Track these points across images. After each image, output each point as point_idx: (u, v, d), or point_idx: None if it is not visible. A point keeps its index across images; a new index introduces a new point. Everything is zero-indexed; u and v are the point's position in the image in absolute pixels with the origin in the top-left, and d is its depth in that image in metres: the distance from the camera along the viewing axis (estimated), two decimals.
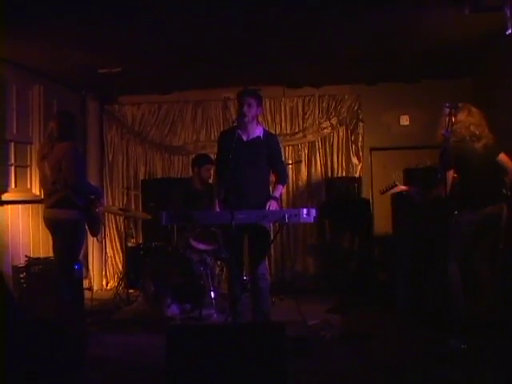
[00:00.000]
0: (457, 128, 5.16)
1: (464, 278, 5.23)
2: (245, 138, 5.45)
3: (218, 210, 5.44)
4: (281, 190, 5.65)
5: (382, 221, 8.26)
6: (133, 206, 9.29)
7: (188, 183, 7.52)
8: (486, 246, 5.39)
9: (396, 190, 5.78)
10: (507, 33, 5.28)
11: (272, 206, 5.28)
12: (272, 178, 5.68)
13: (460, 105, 5.22)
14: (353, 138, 9.17)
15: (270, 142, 5.56)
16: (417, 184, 5.99)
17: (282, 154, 6.22)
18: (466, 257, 5.31)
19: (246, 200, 5.26)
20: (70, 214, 5.69)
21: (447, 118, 5.11)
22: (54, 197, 5.72)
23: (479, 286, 5.41)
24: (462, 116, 5.20)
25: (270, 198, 5.37)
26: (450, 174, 5.18)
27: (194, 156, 8.04)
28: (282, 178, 5.65)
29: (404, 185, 5.93)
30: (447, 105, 5.14)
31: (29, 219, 7.43)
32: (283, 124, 9.27)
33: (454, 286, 5.19)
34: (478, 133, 5.19)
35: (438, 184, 5.19)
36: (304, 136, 9.19)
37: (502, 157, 5.31)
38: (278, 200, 5.52)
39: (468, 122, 5.19)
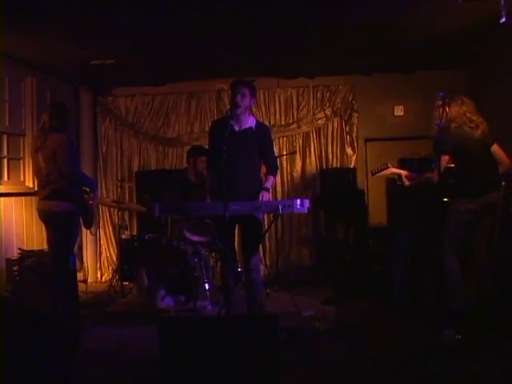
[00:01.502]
0: (453, 116, 5.17)
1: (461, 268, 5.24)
2: (237, 128, 5.39)
3: (209, 200, 5.43)
4: (272, 181, 5.63)
5: (377, 211, 8.27)
6: (127, 198, 9.28)
7: (183, 174, 7.48)
8: (483, 234, 5.38)
9: (388, 171, 5.77)
10: (501, 21, 5.27)
11: (265, 197, 5.25)
12: (263, 169, 5.65)
13: (453, 96, 5.23)
14: (347, 128, 9.17)
15: (261, 132, 5.51)
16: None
17: (275, 145, 6.18)
18: (463, 246, 5.32)
19: (238, 191, 5.22)
20: (64, 205, 5.66)
21: (441, 109, 5.11)
22: (48, 188, 5.68)
23: (477, 276, 5.42)
24: (455, 106, 5.24)
25: (262, 189, 5.34)
26: (445, 160, 5.20)
27: (189, 147, 7.99)
28: (273, 169, 5.60)
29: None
30: (441, 94, 5.15)
31: (22, 212, 7.42)
32: (277, 115, 9.26)
33: (452, 277, 5.20)
34: (475, 118, 5.20)
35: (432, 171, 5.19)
36: (298, 127, 9.17)
37: (496, 147, 5.33)
38: (270, 191, 5.48)
39: (463, 110, 5.23)
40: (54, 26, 6.29)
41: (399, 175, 5.71)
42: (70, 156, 5.71)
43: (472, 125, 5.21)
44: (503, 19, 5.28)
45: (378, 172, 5.84)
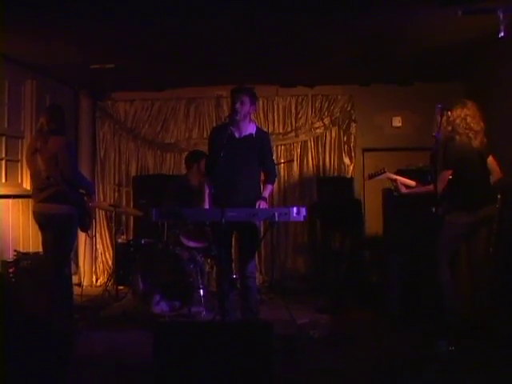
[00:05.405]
0: (454, 121, 5.16)
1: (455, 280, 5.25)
2: (237, 134, 5.42)
3: (207, 206, 5.44)
4: (270, 190, 5.64)
5: (373, 221, 8.27)
6: (124, 203, 9.29)
7: (183, 180, 7.41)
8: (478, 247, 5.38)
9: (384, 176, 5.75)
10: (500, 36, 5.30)
11: (261, 206, 5.25)
12: (262, 176, 5.65)
13: (454, 104, 5.24)
14: (345, 138, 9.18)
15: (261, 139, 5.53)
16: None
17: (273, 152, 6.18)
18: (456, 259, 5.33)
19: (237, 197, 5.24)
20: (64, 208, 5.65)
21: (439, 119, 5.13)
22: (47, 191, 5.66)
23: (470, 288, 5.43)
24: (457, 110, 5.19)
25: (259, 197, 5.35)
26: (447, 175, 5.16)
27: (188, 154, 7.79)
28: (272, 177, 5.61)
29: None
30: (439, 106, 5.16)
31: (19, 214, 7.41)
32: (276, 123, 9.27)
33: (446, 289, 5.17)
34: (473, 125, 5.17)
35: (430, 183, 5.19)
36: (296, 135, 9.19)
37: (490, 159, 5.33)
38: (267, 200, 5.48)
39: (464, 113, 5.17)
40: (55, 29, 6.30)
41: (395, 183, 5.68)
42: (72, 159, 5.73)
43: (471, 133, 5.18)
44: (502, 34, 5.32)
45: (375, 176, 5.82)
